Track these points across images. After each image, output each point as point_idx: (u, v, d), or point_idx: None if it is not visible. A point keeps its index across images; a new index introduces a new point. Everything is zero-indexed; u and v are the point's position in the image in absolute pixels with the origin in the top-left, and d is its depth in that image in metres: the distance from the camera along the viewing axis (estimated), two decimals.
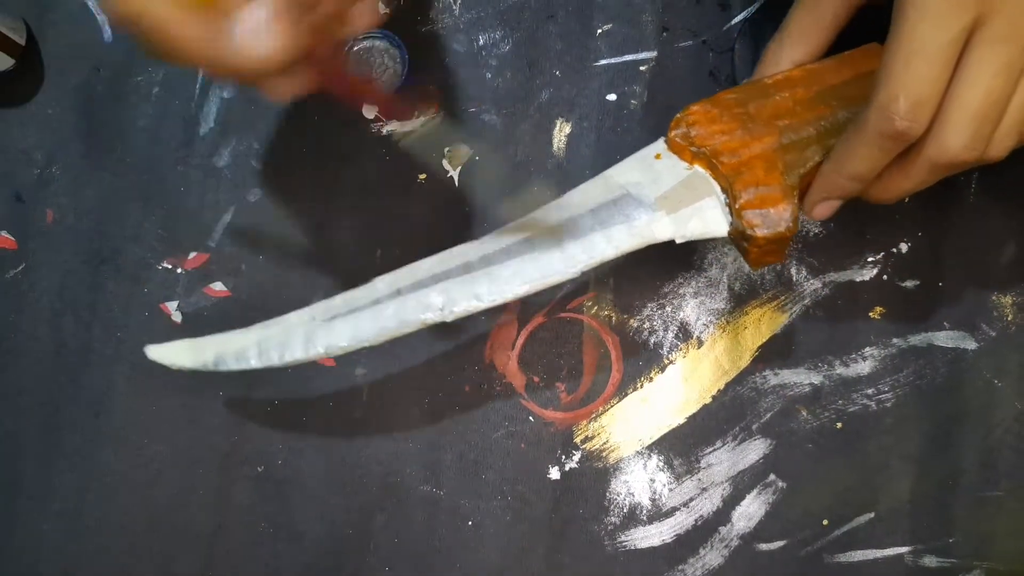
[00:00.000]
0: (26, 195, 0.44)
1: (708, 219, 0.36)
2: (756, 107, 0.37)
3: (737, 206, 0.35)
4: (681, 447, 0.43)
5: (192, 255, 0.44)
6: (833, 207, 0.37)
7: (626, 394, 0.43)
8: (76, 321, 0.44)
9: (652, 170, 0.38)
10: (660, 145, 0.38)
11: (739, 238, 0.36)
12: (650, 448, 0.43)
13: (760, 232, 0.35)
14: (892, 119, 0.31)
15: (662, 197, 0.37)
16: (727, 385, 0.43)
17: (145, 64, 0.45)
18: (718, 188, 0.37)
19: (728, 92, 0.38)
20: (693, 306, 0.43)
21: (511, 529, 0.42)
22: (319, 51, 0.30)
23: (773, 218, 0.35)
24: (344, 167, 0.44)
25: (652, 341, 0.43)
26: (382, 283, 0.38)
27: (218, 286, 0.44)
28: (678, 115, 0.38)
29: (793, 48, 0.38)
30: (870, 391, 0.43)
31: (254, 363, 0.37)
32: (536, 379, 0.43)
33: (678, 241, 0.36)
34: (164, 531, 0.43)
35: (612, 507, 0.42)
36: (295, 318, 0.38)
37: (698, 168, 0.37)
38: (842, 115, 0.36)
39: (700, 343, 0.43)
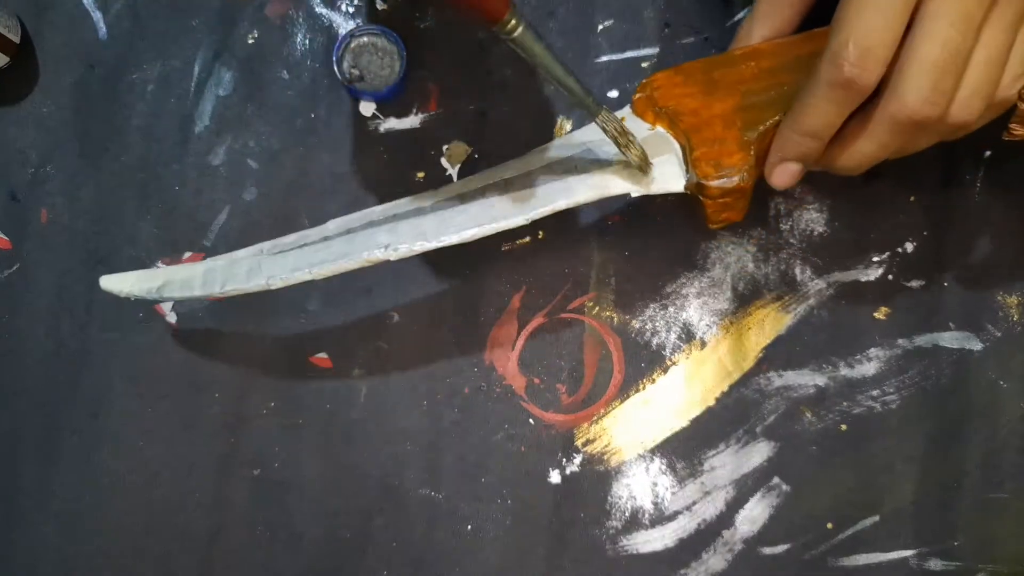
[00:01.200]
0: (21, 194, 0.44)
1: (666, 174, 0.37)
2: (720, 74, 0.37)
3: (692, 157, 0.36)
4: (684, 450, 0.42)
5: (187, 255, 0.43)
6: (792, 172, 0.36)
7: (628, 396, 0.43)
8: (72, 322, 0.43)
9: None
10: (624, 111, 0.39)
11: (695, 190, 0.36)
12: (652, 451, 0.42)
13: (714, 183, 0.35)
14: (841, 66, 0.31)
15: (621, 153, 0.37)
16: (731, 387, 0.43)
17: (140, 62, 0.44)
18: (678, 147, 0.37)
19: (695, 62, 0.38)
20: (696, 307, 0.43)
21: (511, 533, 0.42)
22: None
23: (727, 169, 0.35)
24: (342, 165, 0.44)
25: (654, 342, 0.43)
26: (334, 223, 0.39)
27: None
28: (643, 80, 0.38)
29: (763, 24, 0.38)
30: (875, 392, 0.42)
31: (197, 292, 0.38)
32: (536, 381, 0.43)
33: (633, 195, 0.37)
34: (162, 533, 0.42)
35: (614, 511, 0.42)
36: (244, 252, 0.39)
37: (659, 128, 0.38)
38: (804, 82, 0.36)
39: (703, 344, 0.43)
